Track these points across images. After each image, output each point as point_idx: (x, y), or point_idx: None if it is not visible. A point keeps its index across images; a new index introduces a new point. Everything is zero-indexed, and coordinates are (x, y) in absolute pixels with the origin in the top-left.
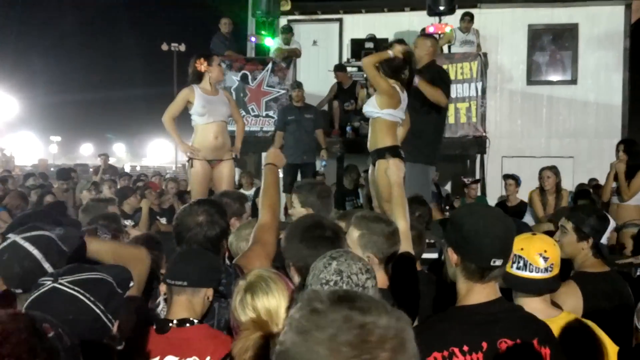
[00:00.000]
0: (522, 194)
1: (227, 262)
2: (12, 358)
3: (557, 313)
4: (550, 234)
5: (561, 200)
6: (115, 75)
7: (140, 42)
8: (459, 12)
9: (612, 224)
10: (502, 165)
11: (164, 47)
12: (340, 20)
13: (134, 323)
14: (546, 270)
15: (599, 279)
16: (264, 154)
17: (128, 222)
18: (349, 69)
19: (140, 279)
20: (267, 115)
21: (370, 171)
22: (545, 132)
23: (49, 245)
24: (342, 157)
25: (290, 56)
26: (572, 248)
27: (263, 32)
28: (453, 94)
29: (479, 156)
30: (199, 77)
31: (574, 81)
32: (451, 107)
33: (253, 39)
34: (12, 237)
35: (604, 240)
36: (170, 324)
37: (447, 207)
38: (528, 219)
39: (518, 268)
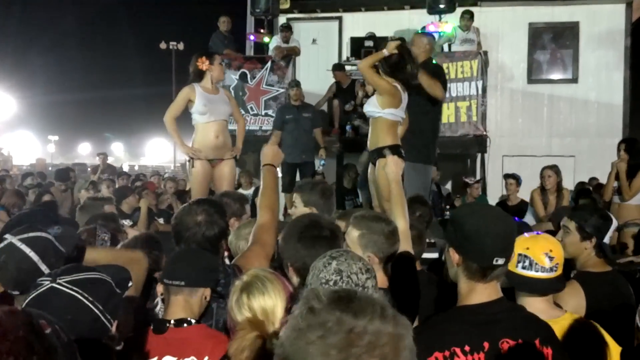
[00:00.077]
0: (523, 193)
1: (227, 261)
2: (10, 355)
3: (561, 313)
4: (551, 233)
5: (562, 199)
6: (114, 74)
7: (139, 41)
8: (459, 10)
9: (615, 223)
10: (503, 165)
11: (163, 45)
12: (339, 19)
13: (133, 323)
14: (551, 270)
15: (602, 279)
16: None
17: (126, 222)
18: (348, 67)
19: (138, 280)
20: (266, 114)
21: (370, 170)
22: (546, 131)
23: (45, 246)
24: (341, 156)
25: (290, 54)
26: (575, 248)
27: (262, 31)
28: (453, 93)
29: (479, 155)
30: (199, 76)
31: (574, 80)
32: (451, 105)
33: (252, 37)
34: (9, 238)
35: (606, 239)
36: (168, 324)
37: (448, 207)
38: (529, 218)
39: (523, 267)
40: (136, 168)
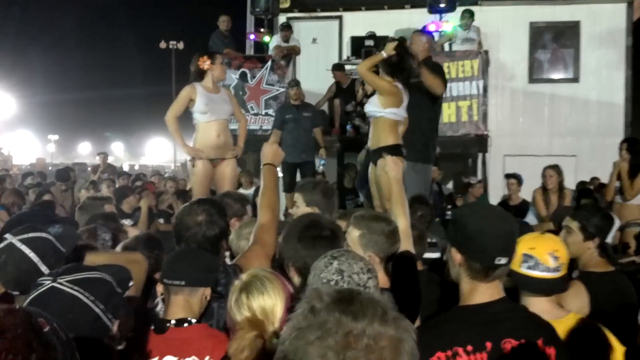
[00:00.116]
0: (525, 193)
1: (228, 261)
2: (9, 353)
3: (565, 314)
4: (552, 233)
5: (564, 199)
6: (113, 73)
7: (139, 40)
8: (460, 10)
9: (617, 223)
10: (504, 164)
11: (162, 45)
12: (340, 18)
13: (133, 323)
14: (556, 270)
15: (605, 279)
16: None
17: (126, 222)
18: (349, 67)
19: (138, 281)
20: (266, 114)
21: (370, 170)
22: (548, 130)
23: (45, 247)
24: (342, 155)
25: (290, 53)
26: (577, 248)
27: (262, 30)
28: (454, 92)
29: (480, 155)
30: (200, 75)
31: (576, 79)
32: (452, 105)
33: (252, 36)
34: (9, 238)
35: (608, 239)
36: (168, 324)
37: (449, 207)
38: (530, 218)
39: (528, 267)
40: (136, 168)
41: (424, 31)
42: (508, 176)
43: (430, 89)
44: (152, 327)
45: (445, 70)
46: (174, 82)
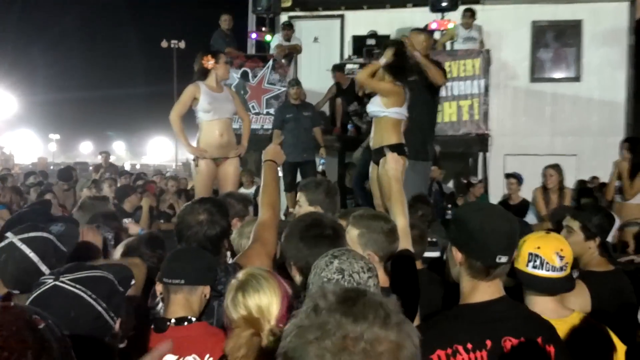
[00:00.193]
0: (525, 193)
1: (230, 259)
2: (4, 350)
3: (569, 313)
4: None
5: (564, 198)
6: (115, 72)
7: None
8: (462, 9)
9: (617, 222)
10: (505, 163)
11: (164, 44)
12: (341, 17)
13: (134, 322)
14: (561, 269)
15: (605, 278)
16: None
17: (127, 220)
18: (350, 65)
19: (137, 283)
20: (267, 113)
21: (371, 169)
22: (549, 129)
23: (46, 246)
24: (343, 155)
25: (291, 52)
26: (579, 247)
27: (263, 29)
28: (456, 91)
29: (481, 154)
30: (204, 74)
31: (577, 78)
32: (454, 104)
33: (253, 35)
34: (10, 237)
35: (609, 238)
36: (168, 323)
37: (450, 206)
38: (531, 217)
39: (534, 267)
40: (138, 167)
41: (422, 28)
42: (508, 176)
43: (432, 80)
44: (152, 326)
45: (447, 69)
46: (175, 82)
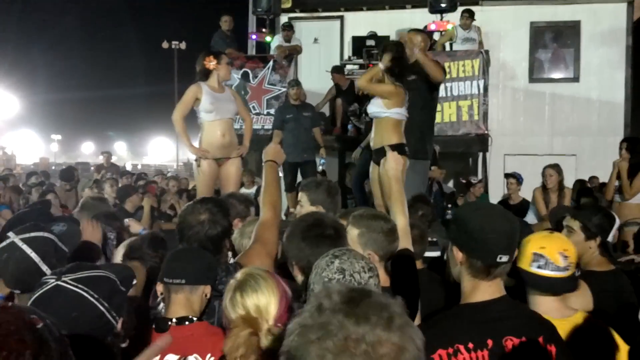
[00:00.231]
0: (525, 192)
1: (231, 259)
2: (3, 349)
3: (573, 312)
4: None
5: (564, 198)
6: (116, 73)
7: (141, 40)
8: (461, 10)
9: (618, 222)
10: (505, 163)
11: (165, 45)
12: (341, 18)
13: (135, 322)
14: (565, 269)
15: (606, 278)
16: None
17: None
18: (350, 66)
19: (138, 284)
20: (268, 114)
21: (372, 169)
22: (548, 129)
23: (47, 247)
24: (343, 155)
25: (292, 53)
26: (579, 247)
27: (264, 30)
28: (455, 92)
29: (481, 154)
30: (206, 75)
31: (576, 79)
32: (453, 105)
33: (254, 36)
34: (12, 237)
35: (609, 238)
36: (170, 323)
37: (450, 206)
38: (531, 217)
39: (539, 267)
40: (139, 167)
41: (419, 29)
42: (507, 176)
43: (431, 76)
44: (154, 326)
45: (446, 70)
46: (176, 82)
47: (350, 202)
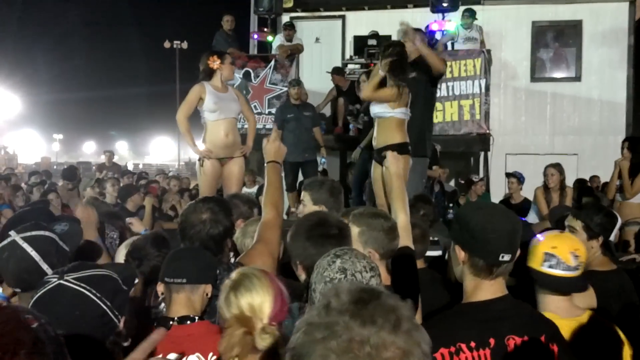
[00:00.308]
0: (526, 192)
1: (232, 259)
2: None
3: (581, 312)
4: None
5: (565, 197)
6: (118, 73)
7: (143, 39)
8: (462, 9)
9: (620, 221)
10: (506, 163)
11: (167, 44)
12: (342, 17)
13: (136, 322)
14: (575, 268)
15: (609, 278)
16: None
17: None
18: (351, 66)
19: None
20: (269, 113)
21: (373, 169)
22: (549, 129)
23: (47, 246)
24: (344, 154)
25: (293, 52)
26: None
27: (265, 30)
28: (457, 91)
29: (482, 153)
30: (209, 75)
31: (578, 78)
32: (455, 104)
33: (255, 36)
34: (13, 235)
35: (611, 237)
36: (171, 322)
37: (451, 205)
38: (532, 216)
39: (550, 266)
40: (140, 166)
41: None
42: (508, 175)
43: (433, 67)
44: (155, 325)
45: (448, 69)
46: (178, 82)
47: (352, 201)
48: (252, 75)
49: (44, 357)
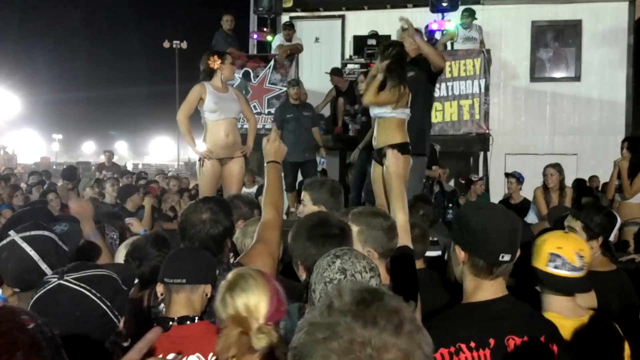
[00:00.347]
0: (526, 192)
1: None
2: None
3: (585, 312)
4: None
5: (565, 198)
6: (117, 72)
7: (142, 39)
8: (462, 9)
9: (619, 221)
10: (506, 163)
11: (166, 44)
12: (342, 17)
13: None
14: (580, 269)
15: (609, 278)
16: None
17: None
18: (351, 65)
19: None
20: (269, 113)
21: (373, 169)
22: (549, 129)
23: (47, 245)
24: (344, 154)
25: (293, 52)
26: None
27: (265, 30)
28: (456, 91)
29: (482, 153)
30: (210, 75)
31: (577, 78)
32: (454, 104)
33: (255, 36)
34: (12, 235)
35: (610, 238)
36: (171, 322)
37: (450, 205)
38: (531, 217)
39: (555, 267)
40: (140, 166)
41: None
42: (507, 175)
43: (433, 63)
44: (155, 326)
45: (447, 69)
46: (177, 82)
47: (350, 202)
48: (252, 75)
49: (40, 359)
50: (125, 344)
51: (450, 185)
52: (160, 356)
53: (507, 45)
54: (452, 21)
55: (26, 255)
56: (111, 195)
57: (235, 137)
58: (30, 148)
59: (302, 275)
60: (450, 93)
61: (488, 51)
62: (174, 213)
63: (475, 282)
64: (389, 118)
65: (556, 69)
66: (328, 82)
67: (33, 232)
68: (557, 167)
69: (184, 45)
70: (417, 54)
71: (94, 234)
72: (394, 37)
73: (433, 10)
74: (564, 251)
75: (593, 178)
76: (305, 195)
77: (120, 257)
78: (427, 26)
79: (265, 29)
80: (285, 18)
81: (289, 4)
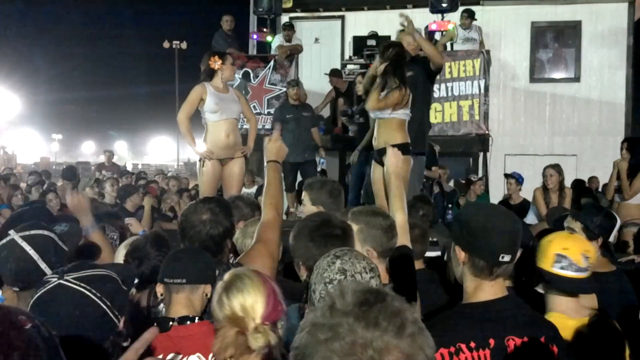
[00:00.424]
0: (525, 193)
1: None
2: None
3: (588, 312)
4: (547, 232)
5: (564, 198)
6: (117, 72)
7: (142, 39)
8: (461, 9)
9: (619, 222)
10: (505, 163)
11: (166, 44)
12: (342, 18)
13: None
14: (585, 270)
15: (609, 279)
16: None
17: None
18: (350, 66)
19: None
20: (268, 113)
21: (373, 169)
22: (549, 130)
23: (46, 245)
24: (343, 154)
25: (293, 52)
26: None
27: (264, 30)
28: (456, 92)
29: (481, 154)
30: (210, 75)
31: (577, 79)
32: (454, 104)
33: (255, 36)
34: (12, 234)
35: (610, 238)
36: (171, 323)
37: (450, 205)
38: (531, 217)
39: (561, 268)
40: (139, 166)
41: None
42: (507, 176)
43: (432, 60)
44: (155, 326)
45: (447, 69)
46: (177, 82)
47: (349, 203)
48: (252, 75)
49: (37, 359)
50: (125, 344)
51: (449, 186)
52: (160, 356)
53: (507, 46)
54: (452, 22)
55: (25, 254)
56: (111, 196)
57: (235, 138)
58: (30, 148)
59: (303, 276)
60: (449, 94)
61: (488, 52)
62: (174, 213)
63: (476, 282)
64: (389, 119)
65: (556, 70)
66: (328, 83)
67: (33, 232)
68: (556, 167)
69: (184, 45)
70: (416, 52)
71: (92, 227)
72: (393, 38)
73: (432, 11)
74: (570, 252)
75: (592, 179)
76: (305, 196)
77: (119, 257)
78: (426, 27)
79: (265, 30)
80: (285, 18)
81: (289, 5)
